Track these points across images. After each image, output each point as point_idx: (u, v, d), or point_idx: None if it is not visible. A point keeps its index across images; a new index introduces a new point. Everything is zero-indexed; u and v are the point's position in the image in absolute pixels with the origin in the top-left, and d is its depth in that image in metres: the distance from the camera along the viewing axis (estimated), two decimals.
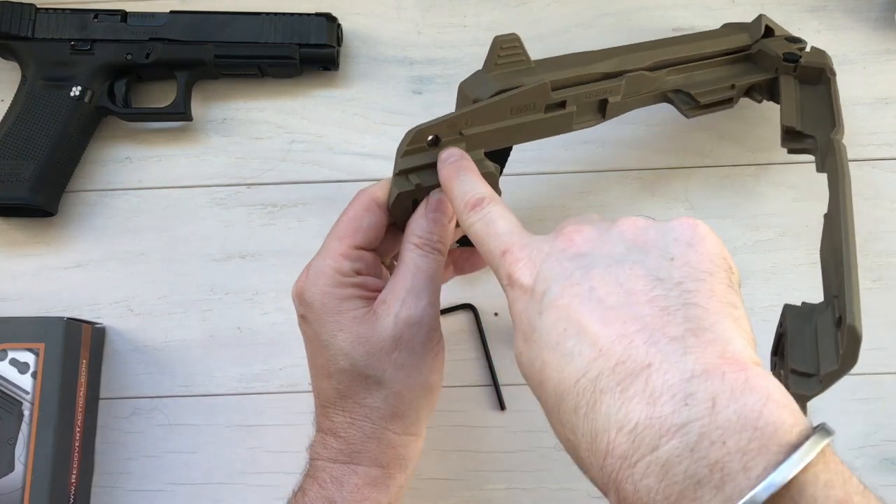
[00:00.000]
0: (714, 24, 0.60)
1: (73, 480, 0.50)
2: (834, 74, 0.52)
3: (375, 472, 0.39)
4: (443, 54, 0.60)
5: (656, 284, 0.28)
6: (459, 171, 0.38)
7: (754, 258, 0.55)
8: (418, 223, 0.40)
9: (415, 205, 0.41)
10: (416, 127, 0.40)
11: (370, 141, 0.58)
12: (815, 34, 0.60)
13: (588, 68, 0.47)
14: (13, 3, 0.57)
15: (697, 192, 0.57)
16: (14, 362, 0.49)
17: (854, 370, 0.52)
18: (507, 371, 0.53)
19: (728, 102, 0.53)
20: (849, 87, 0.58)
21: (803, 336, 0.38)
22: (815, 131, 0.50)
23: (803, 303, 0.40)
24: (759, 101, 0.55)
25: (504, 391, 0.53)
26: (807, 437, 0.24)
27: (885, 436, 0.52)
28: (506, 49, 0.43)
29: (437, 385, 0.40)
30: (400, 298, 0.38)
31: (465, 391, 0.53)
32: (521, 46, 0.44)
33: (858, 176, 0.55)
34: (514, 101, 0.43)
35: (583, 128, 0.48)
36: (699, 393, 0.25)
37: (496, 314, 0.55)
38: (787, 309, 0.40)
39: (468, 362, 0.54)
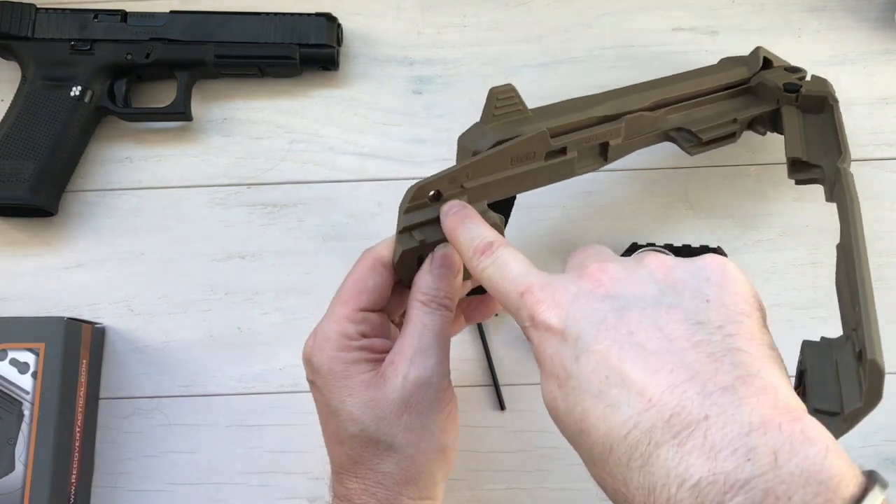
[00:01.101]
0: (714, 24, 0.60)
1: (74, 480, 0.50)
2: (836, 102, 0.52)
3: None
4: (443, 54, 0.60)
5: (697, 329, 0.28)
6: (464, 220, 0.38)
7: (754, 258, 0.55)
8: (424, 280, 0.39)
9: (420, 262, 0.41)
10: (417, 183, 0.39)
11: (370, 141, 0.58)
12: (815, 34, 0.60)
13: (586, 113, 0.46)
14: (13, 3, 0.57)
15: (697, 192, 0.57)
16: (14, 362, 0.49)
17: None
18: (507, 371, 0.53)
19: (731, 137, 0.52)
20: (849, 87, 0.58)
21: (824, 373, 0.37)
22: (821, 160, 0.49)
23: (822, 338, 0.39)
24: (763, 134, 0.54)
25: (504, 391, 0.53)
26: (866, 489, 0.24)
27: (885, 436, 0.52)
28: (502, 100, 0.43)
29: (452, 446, 0.39)
30: (408, 358, 0.38)
31: (465, 391, 0.53)
32: (518, 96, 0.43)
33: (858, 176, 0.55)
34: (514, 151, 0.42)
35: (585, 172, 0.48)
36: (760, 447, 0.24)
37: (496, 314, 0.55)
38: (806, 346, 0.39)
39: (468, 362, 0.54)
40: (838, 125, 0.50)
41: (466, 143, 0.43)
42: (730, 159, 0.57)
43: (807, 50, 0.59)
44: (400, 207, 0.40)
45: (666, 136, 0.52)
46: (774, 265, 0.55)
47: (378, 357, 0.39)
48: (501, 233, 0.42)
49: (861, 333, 0.36)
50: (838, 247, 0.42)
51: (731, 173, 0.57)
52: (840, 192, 0.45)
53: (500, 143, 0.42)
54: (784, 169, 0.57)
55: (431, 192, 0.40)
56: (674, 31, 0.60)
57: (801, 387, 0.39)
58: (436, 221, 0.40)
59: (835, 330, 0.54)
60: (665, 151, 0.58)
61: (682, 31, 0.60)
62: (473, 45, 0.60)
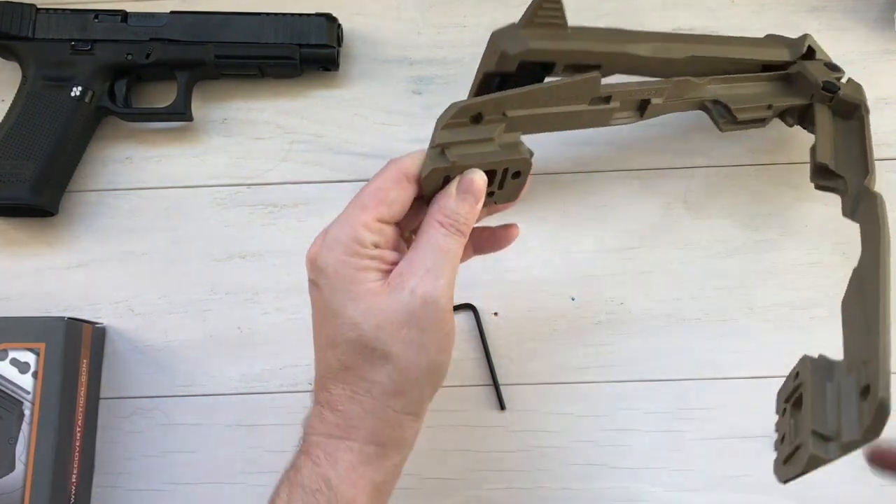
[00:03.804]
0: (714, 24, 0.60)
1: (74, 480, 0.50)
2: (868, 112, 0.51)
3: (370, 450, 0.38)
4: (443, 54, 0.60)
5: None
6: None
7: (754, 258, 0.55)
8: (446, 201, 0.39)
9: (445, 181, 0.40)
10: (461, 102, 0.39)
11: (370, 141, 0.58)
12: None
13: (624, 47, 0.46)
14: (13, 3, 0.57)
15: (697, 192, 0.57)
16: (15, 362, 0.49)
17: None
18: (507, 371, 0.53)
19: (761, 122, 0.52)
20: None
21: (824, 395, 0.37)
22: (845, 171, 0.49)
23: (821, 356, 0.39)
24: (791, 125, 0.54)
25: (504, 391, 0.53)
26: None
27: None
28: (546, 9, 0.42)
29: (444, 366, 0.39)
30: (418, 275, 0.37)
31: (465, 391, 0.54)
32: (563, 9, 0.43)
33: None
34: (562, 90, 0.42)
35: (619, 124, 0.48)
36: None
37: (496, 314, 0.55)
38: (806, 361, 0.39)
39: (468, 362, 0.54)
40: (867, 137, 0.50)
41: (498, 41, 0.43)
42: (730, 159, 0.57)
43: None
44: (438, 122, 0.40)
45: (701, 106, 0.51)
46: (774, 265, 0.55)
47: (387, 268, 0.38)
48: (529, 167, 0.42)
49: (873, 369, 0.35)
50: (855, 272, 0.41)
51: (732, 173, 0.57)
52: (868, 216, 0.44)
53: (531, 52, 0.42)
54: (784, 169, 0.57)
55: (473, 114, 0.40)
56: (674, 32, 0.60)
57: (790, 400, 0.38)
58: (471, 143, 0.40)
59: (834, 330, 0.54)
60: (665, 151, 0.58)
61: (682, 32, 0.60)
62: (473, 45, 0.60)
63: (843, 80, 0.53)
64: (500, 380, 0.53)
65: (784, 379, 0.40)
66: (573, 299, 0.55)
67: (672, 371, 0.53)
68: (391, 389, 0.38)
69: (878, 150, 0.57)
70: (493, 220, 0.46)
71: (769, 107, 0.51)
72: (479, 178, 0.39)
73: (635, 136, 0.58)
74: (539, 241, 0.56)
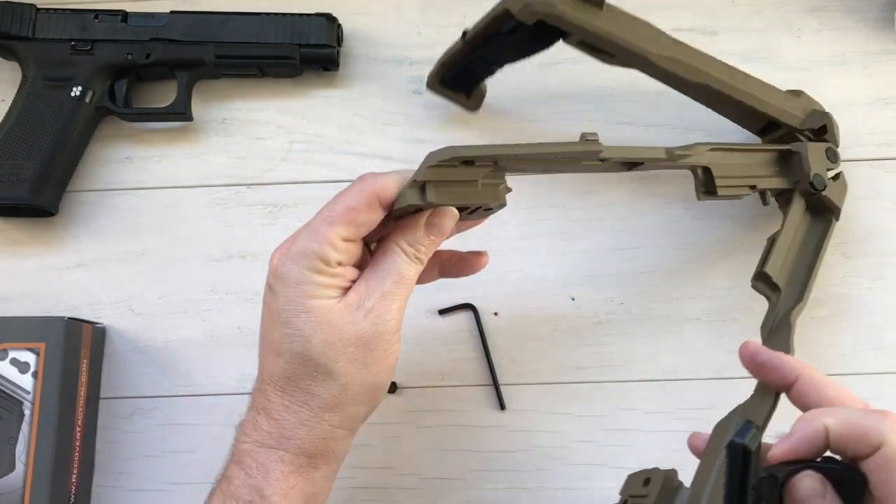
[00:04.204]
0: (714, 24, 0.60)
1: (74, 480, 0.50)
2: (838, 219, 0.51)
3: (301, 461, 0.38)
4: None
5: None
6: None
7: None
8: (414, 232, 0.40)
9: (416, 209, 0.40)
10: (457, 149, 0.38)
11: (370, 141, 0.58)
12: (814, 34, 0.60)
13: (645, 50, 0.45)
14: (13, 3, 0.57)
15: None
16: (15, 362, 0.49)
17: (854, 370, 0.53)
18: (507, 371, 0.53)
19: (737, 197, 0.51)
20: (849, 87, 0.58)
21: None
22: (785, 286, 0.48)
23: (673, 472, 0.41)
24: (766, 204, 0.52)
25: (504, 391, 0.53)
26: None
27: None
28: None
29: (385, 387, 0.41)
30: (374, 297, 0.38)
31: (466, 391, 0.53)
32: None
33: (858, 175, 0.56)
34: (563, 154, 0.42)
35: (602, 172, 0.48)
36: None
37: (496, 314, 0.55)
38: (659, 474, 0.40)
39: (468, 362, 0.54)
40: (824, 248, 0.50)
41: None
42: None
43: (806, 50, 0.59)
44: (427, 159, 0.39)
45: (691, 168, 0.50)
46: None
47: (347, 285, 0.39)
48: (503, 200, 0.42)
49: None
50: (741, 407, 0.40)
51: None
52: (779, 347, 0.43)
53: (553, 15, 0.42)
54: None
55: (466, 160, 0.39)
56: (674, 32, 0.60)
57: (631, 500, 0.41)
58: (454, 183, 0.39)
59: (835, 330, 0.54)
60: None
61: (682, 32, 0.60)
62: None
63: (836, 171, 0.52)
64: (500, 380, 0.53)
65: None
66: (573, 299, 0.55)
67: (672, 371, 0.53)
68: (329, 404, 0.38)
69: (878, 150, 0.57)
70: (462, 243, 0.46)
71: (752, 187, 0.50)
72: (449, 219, 0.40)
73: (635, 136, 0.58)
74: (539, 241, 0.56)
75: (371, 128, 0.59)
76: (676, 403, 0.53)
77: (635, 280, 0.55)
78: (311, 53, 0.58)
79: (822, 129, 0.53)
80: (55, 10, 0.57)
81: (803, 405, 0.38)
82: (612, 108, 0.59)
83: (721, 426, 0.40)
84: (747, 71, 0.59)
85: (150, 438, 0.53)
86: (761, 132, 0.54)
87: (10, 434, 0.48)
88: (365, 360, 0.38)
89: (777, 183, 0.51)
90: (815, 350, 0.53)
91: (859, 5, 0.60)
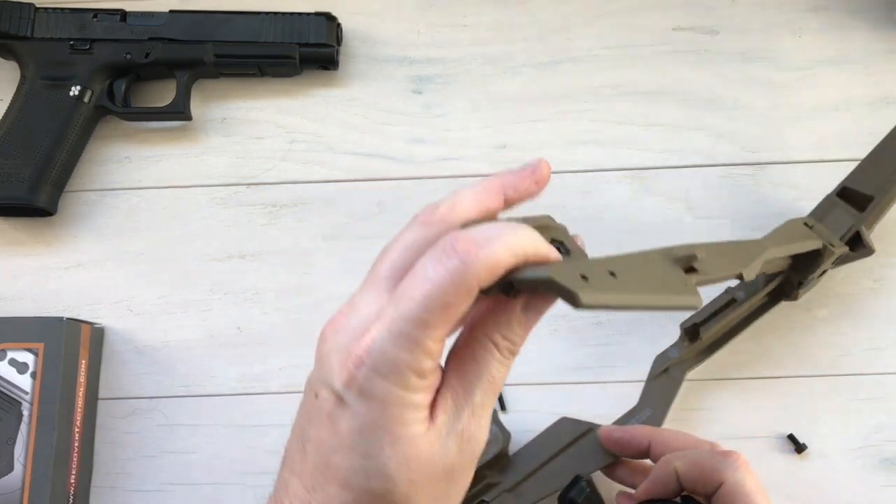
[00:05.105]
0: (714, 23, 0.60)
1: (73, 481, 0.50)
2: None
3: None
4: (443, 54, 0.60)
5: None
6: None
7: None
8: (508, 321, 0.31)
9: (507, 287, 0.30)
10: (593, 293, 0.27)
11: (370, 140, 0.58)
12: (815, 34, 0.60)
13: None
14: (12, 2, 0.57)
15: (697, 192, 0.57)
16: (13, 362, 0.49)
17: (854, 370, 0.52)
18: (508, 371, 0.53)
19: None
20: (850, 86, 0.58)
21: None
22: (707, 342, 0.51)
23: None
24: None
25: (505, 391, 0.53)
26: None
27: (885, 436, 0.51)
28: None
29: None
30: (464, 416, 0.31)
31: None
32: None
33: None
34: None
35: None
36: None
37: None
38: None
39: (536, 416, 0.54)
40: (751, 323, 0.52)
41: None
42: (730, 159, 0.57)
43: (808, 50, 0.59)
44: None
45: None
46: None
47: (433, 397, 0.31)
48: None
49: None
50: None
51: (732, 173, 0.57)
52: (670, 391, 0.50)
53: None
54: (784, 169, 0.57)
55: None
56: (674, 31, 0.60)
57: None
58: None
59: (834, 329, 0.54)
60: (665, 151, 0.58)
61: (683, 31, 0.60)
62: (473, 44, 0.60)
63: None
64: None
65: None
66: None
67: None
68: None
69: None
70: None
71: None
72: (549, 299, 0.32)
73: (635, 136, 0.58)
74: None
75: (371, 127, 0.59)
76: (676, 404, 0.53)
77: None
78: (311, 53, 0.57)
79: (856, 240, 0.51)
80: (54, 9, 0.57)
81: (659, 456, 0.44)
82: (612, 108, 0.59)
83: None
84: (747, 70, 0.59)
85: (149, 439, 0.53)
86: None
87: (9, 434, 0.47)
88: (448, 492, 0.32)
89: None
90: (815, 350, 0.53)
91: (860, 5, 0.60)
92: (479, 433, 0.31)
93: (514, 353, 0.32)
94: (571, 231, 0.36)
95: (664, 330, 0.54)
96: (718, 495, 0.40)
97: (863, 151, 0.53)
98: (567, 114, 0.58)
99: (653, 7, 0.61)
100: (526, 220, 0.32)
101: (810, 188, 0.54)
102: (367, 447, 0.30)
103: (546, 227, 0.33)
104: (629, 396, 0.53)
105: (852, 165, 0.52)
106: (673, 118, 0.58)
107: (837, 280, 0.54)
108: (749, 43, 0.60)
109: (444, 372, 0.31)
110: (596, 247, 0.55)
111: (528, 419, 0.53)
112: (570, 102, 0.59)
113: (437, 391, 0.31)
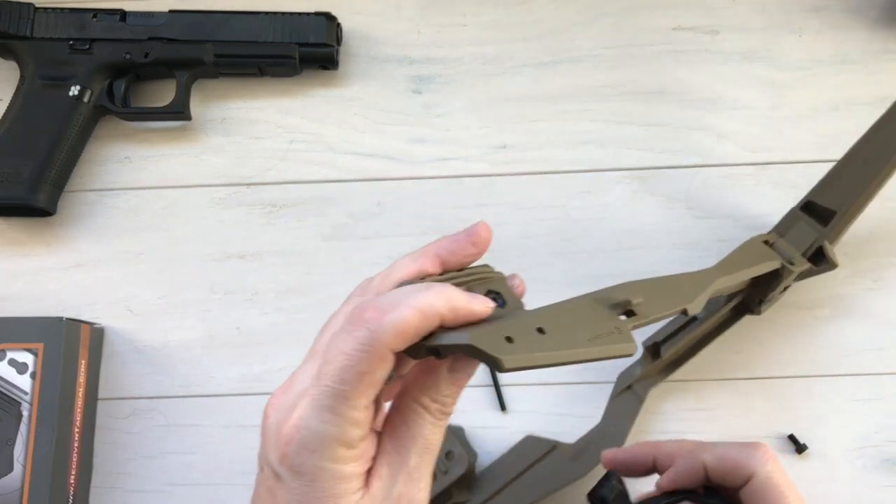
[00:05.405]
0: (715, 23, 0.60)
1: (72, 481, 0.50)
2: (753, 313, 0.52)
3: None
4: (442, 53, 0.60)
5: None
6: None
7: None
8: (436, 383, 0.31)
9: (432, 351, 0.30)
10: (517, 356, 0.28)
11: (370, 140, 0.58)
12: (816, 33, 0.60)
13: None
14: (12, 2, 0.57)
15: (697, 192, 0.57)
16: (13, 362, 0.48)
17: (854, 370, 0.52)
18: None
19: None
20: (850, 86, 0.58)
21: None
22: (668, 359, 0.51)
23: None
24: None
25: (505, 392, 0.53)
26: None
27: (885, 436, 0.51)
28: None
29: None
30: (400, 481, 0.31)
31: (466, 392, 0.53)
32: None
33: None
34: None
35: None
36: None
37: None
38: None
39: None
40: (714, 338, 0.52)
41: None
42: (730, 159, 0.57)
43: (808, 49, 0.59)
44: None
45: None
46: None
47: (368, 466, 0.31)
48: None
49: None
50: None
51: (731, 173, 0.57)
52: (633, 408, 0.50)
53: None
54: (784, 169, 0.57)
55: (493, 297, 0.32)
56: (674, 31, 0.60)
57: None
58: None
59: (835, 329, 0.54)
60: (665, 151, 0.58)
61: (683, 31, 0.60)
62: (473, 44, 0.60)
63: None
64: (501, 381, 0.53)
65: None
66: None
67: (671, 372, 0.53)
68: None
69: None
70: None
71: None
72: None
73: (635, 136, 0.58)
74: (538, 242, 0.56)
75: (370, 127, 0.59)
76: (676, 404, 0.53)
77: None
78: (311, 52, 0.57)
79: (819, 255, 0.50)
80: (53, 9, 0.57)
81: (669, 467, 0.43)
82: (612, 108, 0.58)
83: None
84: (747, 70, 0.59)
85: (149, 439, 0.53)
86: None
87: (9, 435, 0.47)
88: None
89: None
90: (815, 350, 0.53)
91: (860, 5, 0.60)
92: (418, 495, 0.31)
93: (446, 414, 0.32)
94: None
95: None
96: (748, 489, 0.40)
97: None
98: (567, 114, 0.58)
99: (653, 7, 0.61)
100: (463, 271, 0.33)
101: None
102: None
103: (483, 278, 0.33)
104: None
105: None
106: (673, 118, 0.58)
107: (837, 280, 0.54)
108: (749, 43, 0.60)
109: (380, 438, 0.31)
110: (596, 246, 0.56)
111: (530, 420, 0.53)
112: (570, 102, 0.59)
113: (374, 458, 0.31)
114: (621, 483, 0.43)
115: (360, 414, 0.29)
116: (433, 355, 0.29)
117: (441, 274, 0.33)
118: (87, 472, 0.52)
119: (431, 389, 0.31)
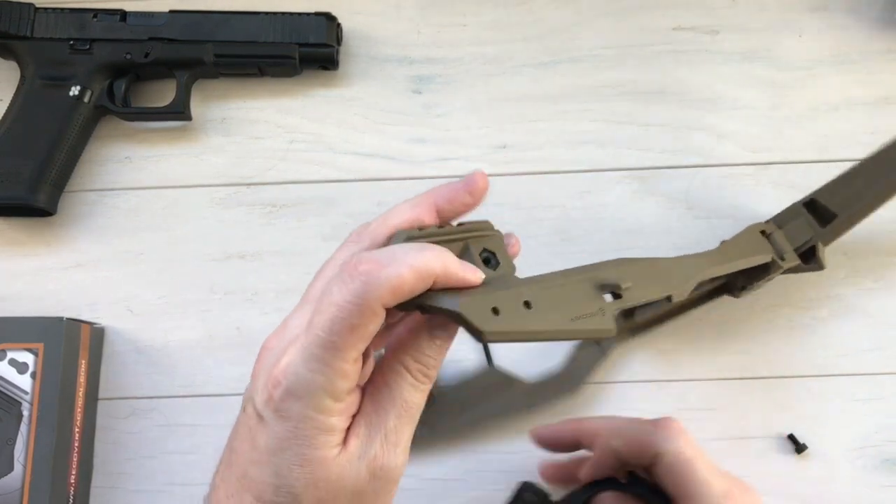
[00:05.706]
0: (715, 23, 0.60)
1: (73, 481, 0.50)
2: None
3: None
4: (443, 53, 0.60)
5: None
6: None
7: None
8: (418, 342, 0.31)
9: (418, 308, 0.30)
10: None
11: (370, 140, 0.58)
12: (816, 34, 0.60)
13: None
14: (12, 2, 0.57)
15: (697, 192, 0.57)
16: (13, 362, 0.48)
17: (854, 370, 0.52)
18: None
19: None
20: (850, 86, 0.58)
21: None
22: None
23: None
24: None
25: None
26: None
27: (885, 436, 0.51)
28: None
29: None
30: (377, 442, 0.31)
31: None
32: None
33: None
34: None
35: None
36: None
37: None
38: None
39: (468, 362, 0.54)
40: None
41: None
42: (730, 159, 0.57)
43: (808, 49, 0.59)
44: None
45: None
46: None
47: (349, 423, 0.31)
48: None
49: None
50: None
51: (731, 173, 0.57)
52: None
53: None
54: (784, 169, 0.57)
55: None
56: (675, 31, 0.60)
57: None
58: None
59: (835, 329, 0.54)
60: (665, 151, 0.58)
61: (683, 31, 0.60)
62: (473, 44, 0.60)
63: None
64: None
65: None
66: None
67: (672, 371, 0.53)
68: None
69: None
70: None
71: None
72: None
73: (635, 136, 0.58)
74: (538, 241, 0.56)
75: (370, 127, 0.59)
76: (676, 404, 0.53)
77: None
78: (311, 52, 0.57)
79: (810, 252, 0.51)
80: (54, 9, 0.57)
81: (591, 445, 0.43)
82: (612, 108, 0.59)
83: None
84: (747, 70, 0.59)
85: (149, 439, 0.53)
86: None
87: (9, 435, 0.47)
88: None
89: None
90: (815, 350, 0.53)
91: (860, 5, 0.60)
92: (394, 459, 0.31)
93: (428, 377, 0.32)
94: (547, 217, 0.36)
95: (663, 330, 0.54)
96: (659, 468, 0.39)
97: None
98: (567, 114, 0.58)
99: (653, 7, 0.61)
100: (462, 226, 0.33)
101: (810, 188, 0.53)
102: (278, 465, 0.30)
103: (481, 235, 0.33)
104: (629, 397, 0.53)
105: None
106: (673, 118, 0.58)
107: (837, 280, 0.54)
108: (749, 43, 0.60)
109: (361, 398, 0.31)
110: (596, 246, 0.56)
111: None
112: (571, 102, 0.59)
113: (354, 416, 0.31)
114: (536, 493, 0.43)
115: (349, 366, 0.29)
116: (419, 310, 0.30)
117: (440, 226, 0.33)
118: (87, 472, 0.52)
119: (414, 350, 0.31)
